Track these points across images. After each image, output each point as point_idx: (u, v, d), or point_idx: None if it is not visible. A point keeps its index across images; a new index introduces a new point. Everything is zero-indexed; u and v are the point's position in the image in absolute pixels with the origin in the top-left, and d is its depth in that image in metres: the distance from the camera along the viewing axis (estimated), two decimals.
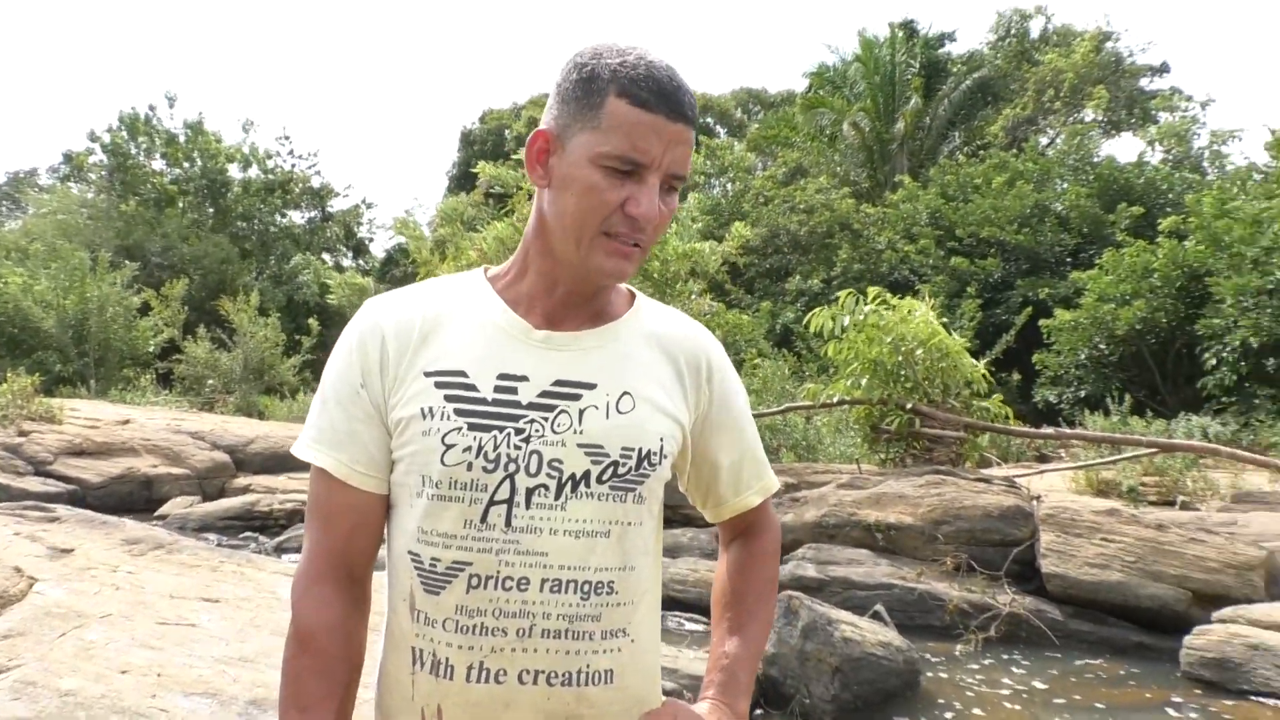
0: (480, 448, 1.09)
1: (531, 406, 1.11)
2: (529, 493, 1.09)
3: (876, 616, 5.47)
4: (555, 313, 1.17)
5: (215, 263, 25.49)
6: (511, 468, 1.09)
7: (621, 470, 1.13)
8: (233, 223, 29.24)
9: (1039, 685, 5.13)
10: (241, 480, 11.24)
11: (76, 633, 3.48)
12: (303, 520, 9.37)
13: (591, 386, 1.14)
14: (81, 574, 4.18)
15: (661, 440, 1.16)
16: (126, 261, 21.45)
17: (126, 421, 12.00)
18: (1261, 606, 5.43)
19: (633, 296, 1.27)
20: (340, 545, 1.14)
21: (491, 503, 1.09)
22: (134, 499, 10.23)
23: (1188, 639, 5.21)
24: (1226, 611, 5.42)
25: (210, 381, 18.98)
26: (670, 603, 6.54)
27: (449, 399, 1.10)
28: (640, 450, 1.14)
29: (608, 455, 1.12)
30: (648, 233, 1.09)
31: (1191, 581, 5.73)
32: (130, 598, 3.97)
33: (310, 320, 21.32)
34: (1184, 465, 8.80)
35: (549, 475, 1.10)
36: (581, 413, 1.12)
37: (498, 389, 1.11)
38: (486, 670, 1.09)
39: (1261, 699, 4.78)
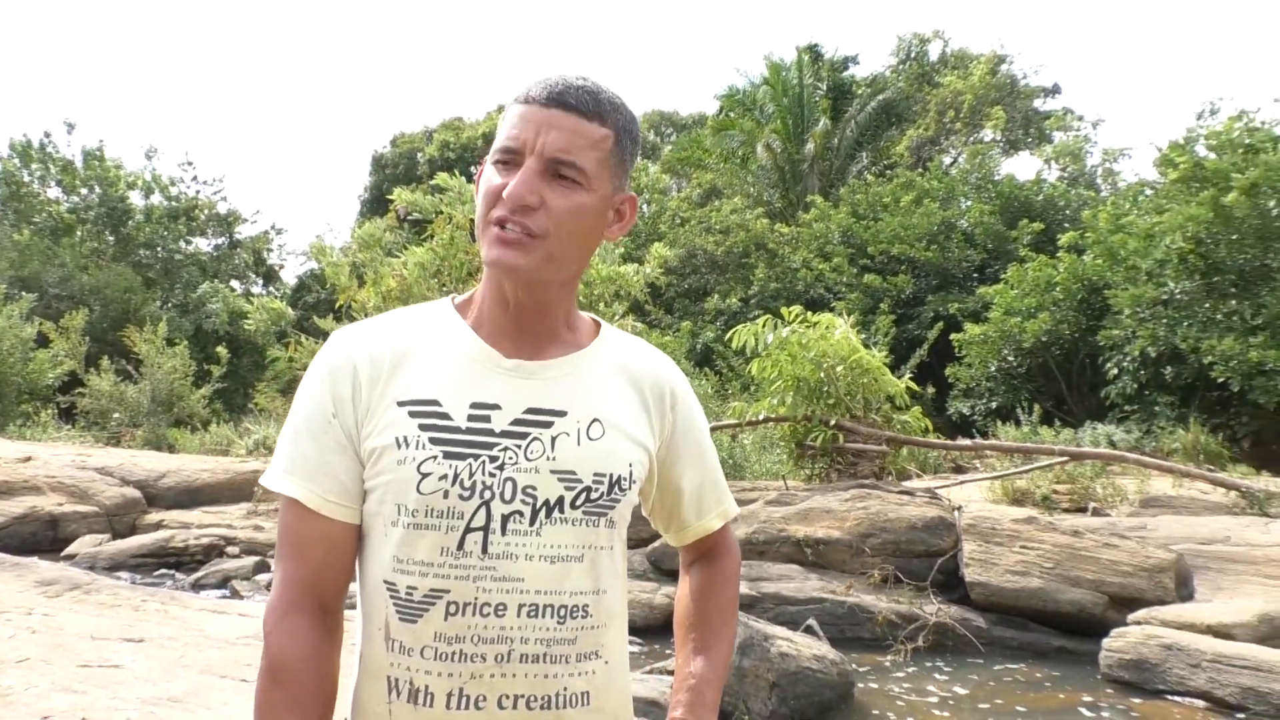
0: (456, 475, 1.09)
1: (505, 434, 1.12)
2: (504, 519, 1.10)
3: (809, 631, 5.55)
4: (518, 336, 1.19)
5: (117, 292, 24.59)
6: (487, 495, 1.10)
7: (594, 496, 1.15)
8: (135, 251, 28.26)
9: (966, 692, 5.27)
10: (153, 516, 10.81)
11: None
12: (219, 555, 9.17)
13: (562, 414, 1.16)
14: None
15: (630, 466, 1.19)
16: (22, 293, 20.60)
17: (28, 459, 11.47)
18: (1173, 608, 5.67)
19: (598, 326, 1.29)
20: (312, 576, 1.13)
21: (468, 530, 1.09)
22: (39, 539, 9.76)
23: (1106, 642, 5.40)
24: (1141, 614, 5.64)
25: (116, 415, 18.29)
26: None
27: (423, 428, 1.11)
28: (611, 476, 1.16)
29: (580, 481, 1.14)
30: (533, 219, 1.09)
31: (1107, 586, 5.95)
32: (48, 640, 3.82)
33: (219, 349, 20.72)
34: (1094, 473, 9.13)
35: (523, 501, 1.11)
36: (554, 439, 1.14)
37: (471, 417, 1.12)
38: (466, 696, 1.09)
39: (1176, 698, 4.98)
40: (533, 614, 1.11)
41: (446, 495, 1.09)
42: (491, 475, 1.10)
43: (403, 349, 1.16)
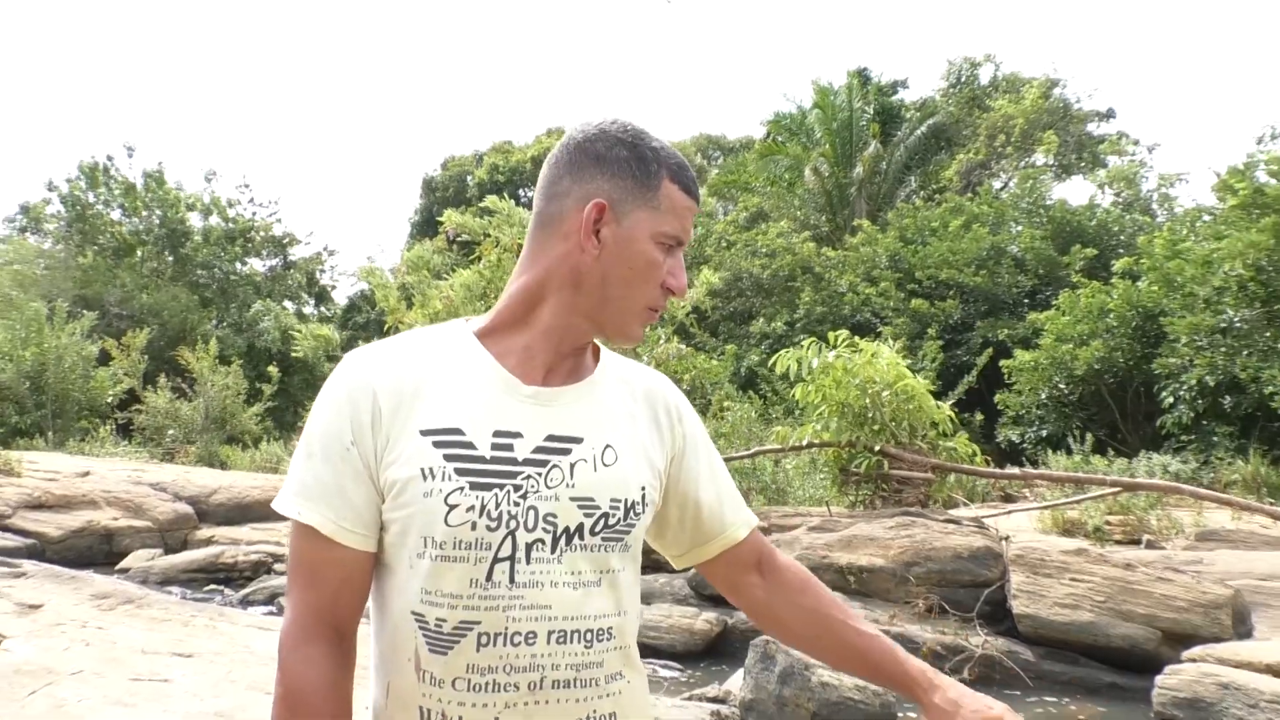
0: (483, 507, 1.10)
1: (527, 462, 1.13)
2: (528, 548, 1.11)
3: None
4: (550, 367, 1.20)
5: (175, 312, 25.21)
6: (512, 524, 1.11)
7: (612, 521, 1.16)
8: (192, 271, 28.94)
9: None
10: (205, 532, 11.04)
11: (48, 690, 3.41)
12: (267, 572, 9.29)
13: (579, 440, 1.17)
14: (51, 630, 4.11)
15: (643, 490, 1.21)
16: (85, 312, 21.18)
17: (86, 473, 11.77)
18: (1230, 645, 5.50)
19: (597, 349, 1.30)
20: (328, 603, 1.13)
21: (495, 560, 1.10)
22: (94, 552, 10.01)
23: (1159, 679, 5.25)
24: (1196, 650, 5.48)
25: (171, 431, 18.70)
26: (645, 649, 6.51)
27: (449, 458, 1.11)
28: (627, 501, 1.18)
29: (599, 507, 1.16)
30: None
31: (1161, 621, 5.80)
32: (102, 654, 3.90)
33: (270, 368, 21.10)
34: (1148, 504, 8.93)
35: (545, 530, 1.12)
36: (572, 466, 1.15)
37: (495, 446, 1.13)
38: None
39: None
40: (561, 640, 1.12)
41: (474, 527, 1.09)
42: (516, 505, 1.11)
43: (422, 375, 1.16)
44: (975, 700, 1.20)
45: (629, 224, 1.17)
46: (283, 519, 1.16)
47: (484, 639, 1.09)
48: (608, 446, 1.19)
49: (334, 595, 1.13)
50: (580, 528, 1.14)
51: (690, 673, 6.21)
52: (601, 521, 1.15)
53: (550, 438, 1.16)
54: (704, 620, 6.60)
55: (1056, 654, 6.03)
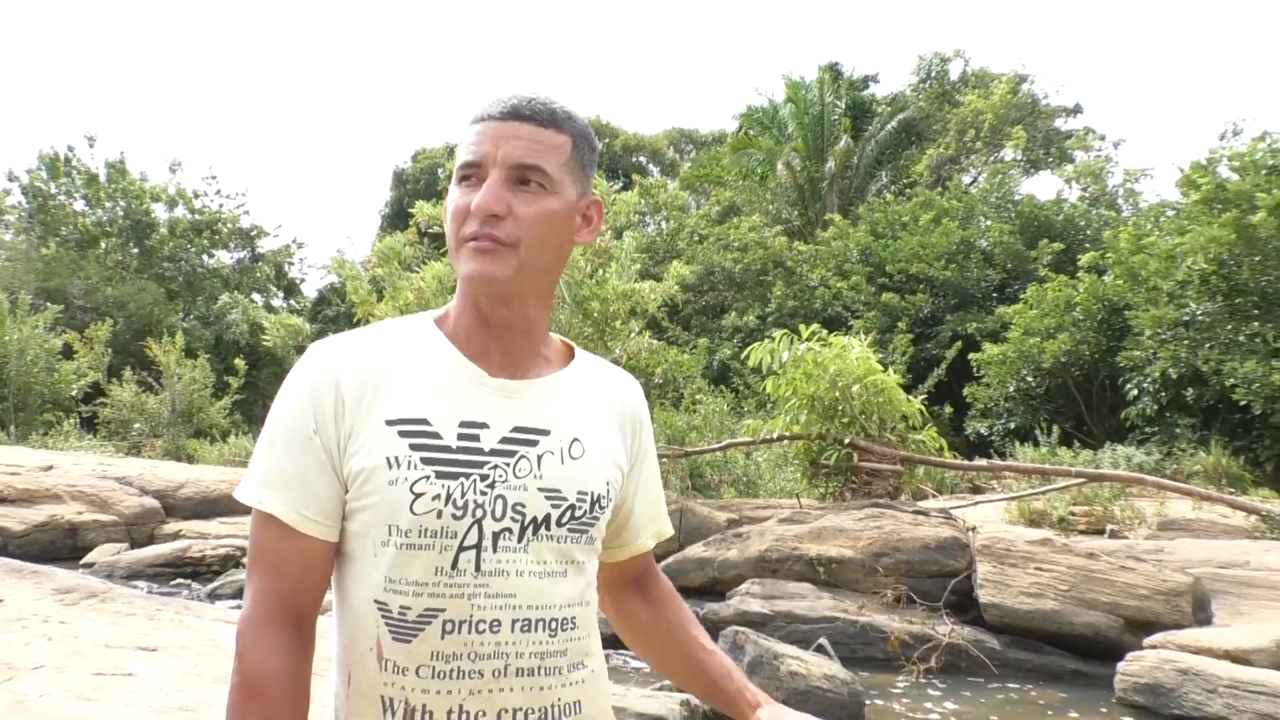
0: (449, 495, 1.09)
1: (494, 453, 1.13)
2: (495, 537, 1.11)
3: (820, 650, 5.53)
4: (499, 355, 1.20)
5: (140, 304, 24.90)
6: (479, 513, 1.11)
7: (578, 514, 1.17)
8: (158, 263, 28.60)
9: (978, 714, 5.23)
10: (172, 526, 10.93)
11: (8, 685, 3.37)
12: (235, 566, 9.23)
13: (546, 433, 1.17)
14: (11, 625, 4.05)
15: (608, 485, 1.22)
16: (48, 304, 20.88)
17: (50, 467, 11.60)
18: (1190, 632, 5.61)
19: (571, 350, 1.31)
20: (288, 592, 1.12)
21: (461, 548, 1.10)
22: (58, 547, 9.88)
23: (1121, 665, 5.35)
24: (1157, 637, 5.58)
25: (137, 425, 18.49)
26: (615, 641, 6.52)
27: (414, 447, 1.10)
28: (593, 494, 1.19)
29: (565, 499, 1.16)
30: (502, 228, 1.12)
31: (1123, 609, 5.90)
32: (64, 648, 3.85)
33: (237, 361, 20.89)
34: (1112, 494, 9.06)
35: (513, 519, 1.12)
36: (539, 458, 1.16)
37: (461, 436, 1.13)
38: (467, 713, 1.09)
39: None
40: (526, 629, 1.12)
41: (440, 515, 1.09)
42: (483, 494, 1.11)
43: (386, 366, 1.16)
44: (795, 717, 1.24)
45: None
46: (250, 512, 1.15)
47: (449, 626, 1.09)
48: (575, 440, 1.19)
49: (295, 584, 1.12)
50: (547, 519, 1.15)
51: None
52: (568, 514, 1.16)
53: (517, 429, 1.16)
54: None
55: (1021, 642, 6.12)
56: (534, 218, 1.13)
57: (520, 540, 1.13)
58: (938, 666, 5.90)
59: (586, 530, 1.19)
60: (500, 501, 1.12)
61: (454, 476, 1.10)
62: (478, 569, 1.10)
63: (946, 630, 6.11)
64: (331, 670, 1.18)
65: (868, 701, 5.16)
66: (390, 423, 1.11)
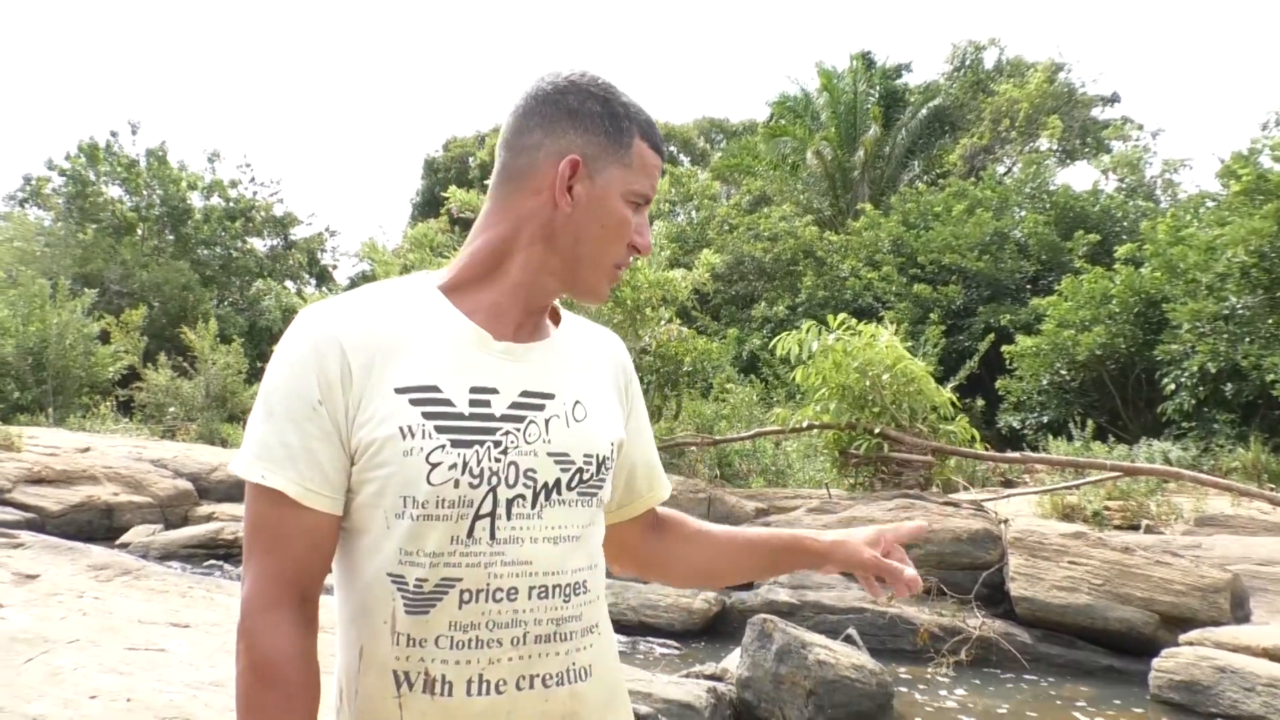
0: (465, 464, 1.08)
1: (505, 418, 1.12)
2: (509, 504, 1.10)
3: (849, 640, 5.49)
4: (519, 323, 1.19)
5: (175, 290, 25.20)
6: (494, 480, 1.09)
7: (586, 476, 1.17)
8: (194, 250, 28.93)
9: (1008, 708, 5.17)
10: (205, 508, 11.06)
11: (44, 658, 3.42)
12: None
13: (551, 396, 1.17)
14: (48, 599, 4.11)
15: (611, 445, 1.22)
16: (85, 289, 21.18)
17: (87, 449, 11.79)
18: (1227, 629, 5.51)
19: (556, 310, 1.30)
20: (293, 570, 1.09)
21: (476, 517, 1.09)
22: (94, 527, 10.03)
23: (1156, 662, 5.26)
24: (1193, 634, 5.48)
25: (172, 409, 18.73)
26: (643, 628, 6.53)
27: (427, 416, 1.08)
28: (598, 456, 1.19)
29: (574, 463, 1.16)
30: None
31: (1158, 604, 5.81)
32: (98, 623, 3.91)
33: (271, 348, 21.12)
34: (1147, 489, 8.94)
35: (525, 485, 1.11)
36: (547, 422, 1.15)
37: (472, 402, 1.11)
38: (486, 682, 1.08)
39: None
40: (542, 595, 1.12)
41: (457, 485, 1.07)
42: (496, 460, 1.10)
43: (391, 331, 1.12)
44: (861, 532, 1.35)
45: (602, 181, 1.15)
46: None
47: (466, 596, 1.08)
48: (577, 402, 1.19)
49: (300, 562, 1.09)
50: (558, 483, 1.14)
51: (688, 651, 6.23)
52: (577, 477, 1.16)
53: (525, 393, 1.15)
54: (702, 600, 6.61)
55: (1053, 636, 6.04)
56: None
57: (534, 506, 1.12)
58: (968, 660, 5.84)
59: (595, 493, 1.19)
60: (513, 468, 1.11)
61: (469, 445, 1.09)
62: (493, 537, 1.09)
63: (977, 623, 6.05)
64: (337, 645, 1.16)
65: (896, 692, 5.12)
66: (400, 390, 1.09)
